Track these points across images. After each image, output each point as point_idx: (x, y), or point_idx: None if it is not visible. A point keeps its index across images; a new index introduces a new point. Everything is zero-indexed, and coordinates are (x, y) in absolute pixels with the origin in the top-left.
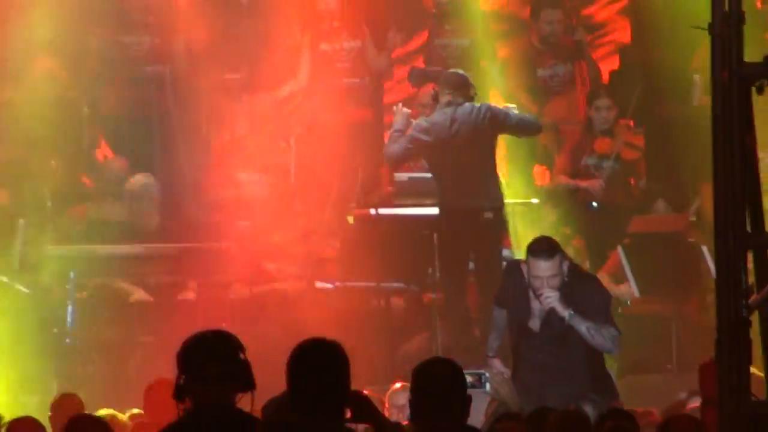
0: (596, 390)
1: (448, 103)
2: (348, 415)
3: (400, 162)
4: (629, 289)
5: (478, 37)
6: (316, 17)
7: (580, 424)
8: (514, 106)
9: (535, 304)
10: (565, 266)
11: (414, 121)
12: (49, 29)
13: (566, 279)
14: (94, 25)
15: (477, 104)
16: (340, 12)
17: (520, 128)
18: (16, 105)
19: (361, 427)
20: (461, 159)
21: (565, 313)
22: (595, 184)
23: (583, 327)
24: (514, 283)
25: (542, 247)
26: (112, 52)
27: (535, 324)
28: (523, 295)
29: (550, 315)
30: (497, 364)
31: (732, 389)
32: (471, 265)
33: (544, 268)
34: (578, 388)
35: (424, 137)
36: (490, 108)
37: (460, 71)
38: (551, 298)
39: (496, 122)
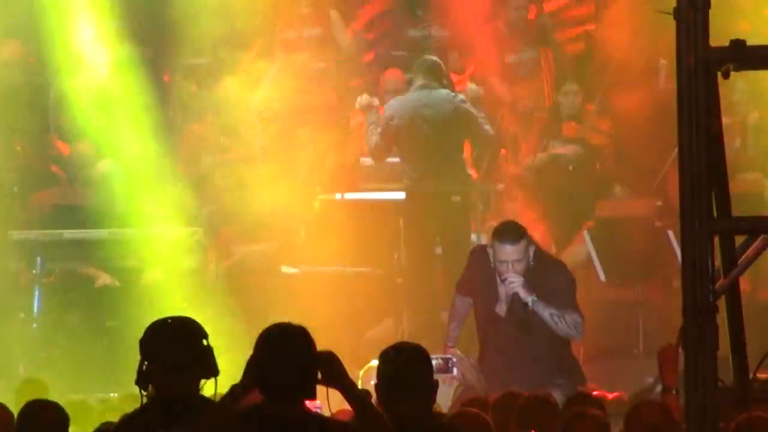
0: (562, 374)
1: (422, 87)
2: (318, 376)
3: (384, 151)
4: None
5: (447, 24)
6: (284, 2)
7: (547, 408)
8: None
9: (501, 289)
10: (531, 251)
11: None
12: (16, 14)
13: (532, 264)
14: (61, 10)
15: (453, 93)
16: None
17: (482, 138)
18: None
19: (331, 399)
20: (431, 142)
21: (528, 298)
22: (574, 149)
23: (546, 313)
24: (480, 269)
25: (508, 231)
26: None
27: (501, 309)
28: (489, 280)
29: (515, 300)
30: (456, 354)
31: (698, 376)
32: (438, 250)
33: (509, 252)
34: (544, 372)
35: (396, 122)
36: (466, 102)
37: (434, 57)
38: (515, 283)
39: (467, 120)
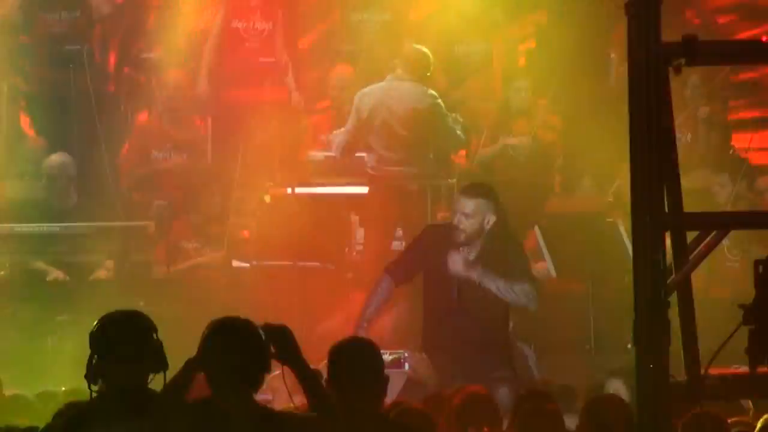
0: (507, 366)
1: (397, 78)
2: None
3: (352, 145)
4: (545, 269)
5: (395, 12)
6: None
7: (490, 405)
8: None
9: (454, 267)
10: (490, 219)
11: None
12: None
13: (486, 229)
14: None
15: (427, 89)
16: None
17: (449, 136)
18: None
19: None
20: (396, 137)
21: (473, 273)
22: (523, 140)
23: (493, 285)
24: (433, 248)
25: (471, 186)
26: (33, 29)
27: (453, 290)
28: (442, 260)
29: (465, 280)
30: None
31: (650, 371)
32: (395, 245)
33: (463, 204)
34: (491, 365)
35: (365, 114)
36: (437, 99)
37: (424, 49)
38: (457, 263)
39: (436, 119)
